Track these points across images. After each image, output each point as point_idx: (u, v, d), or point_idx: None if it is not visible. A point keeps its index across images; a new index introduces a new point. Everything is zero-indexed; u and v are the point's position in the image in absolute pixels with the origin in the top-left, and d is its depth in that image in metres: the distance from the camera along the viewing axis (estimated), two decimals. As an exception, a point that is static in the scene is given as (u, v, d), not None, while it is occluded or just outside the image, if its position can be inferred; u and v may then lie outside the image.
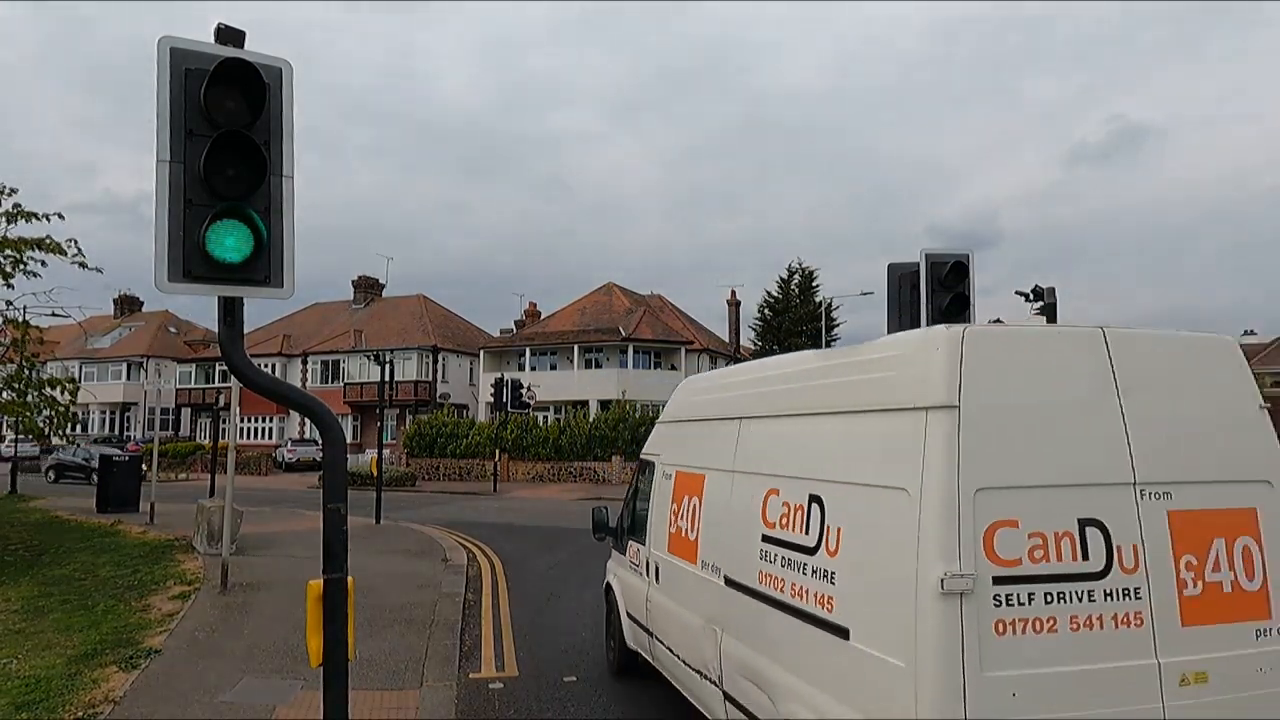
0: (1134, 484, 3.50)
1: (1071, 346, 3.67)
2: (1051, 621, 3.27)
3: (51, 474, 32.92)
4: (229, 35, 3.56)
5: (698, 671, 5.41)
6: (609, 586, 7.79)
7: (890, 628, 3.42)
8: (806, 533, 4.16)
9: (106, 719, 6.20)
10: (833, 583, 3.88)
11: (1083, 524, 3.39)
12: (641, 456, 7.32)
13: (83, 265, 14.52)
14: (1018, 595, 3.26)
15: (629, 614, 7.13)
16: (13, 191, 13.95)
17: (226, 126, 3.50)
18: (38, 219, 13.93)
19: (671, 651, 5.99)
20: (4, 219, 13.82)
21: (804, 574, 4.12)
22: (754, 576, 4.64)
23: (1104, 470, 3.49)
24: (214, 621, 9.15)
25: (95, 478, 22.43)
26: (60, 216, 14.25)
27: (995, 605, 3.23)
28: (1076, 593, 3.33)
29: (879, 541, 3.61)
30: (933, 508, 3.31)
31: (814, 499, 4.15)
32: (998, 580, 3.25)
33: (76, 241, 14.42)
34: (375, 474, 19.55)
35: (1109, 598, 3.36)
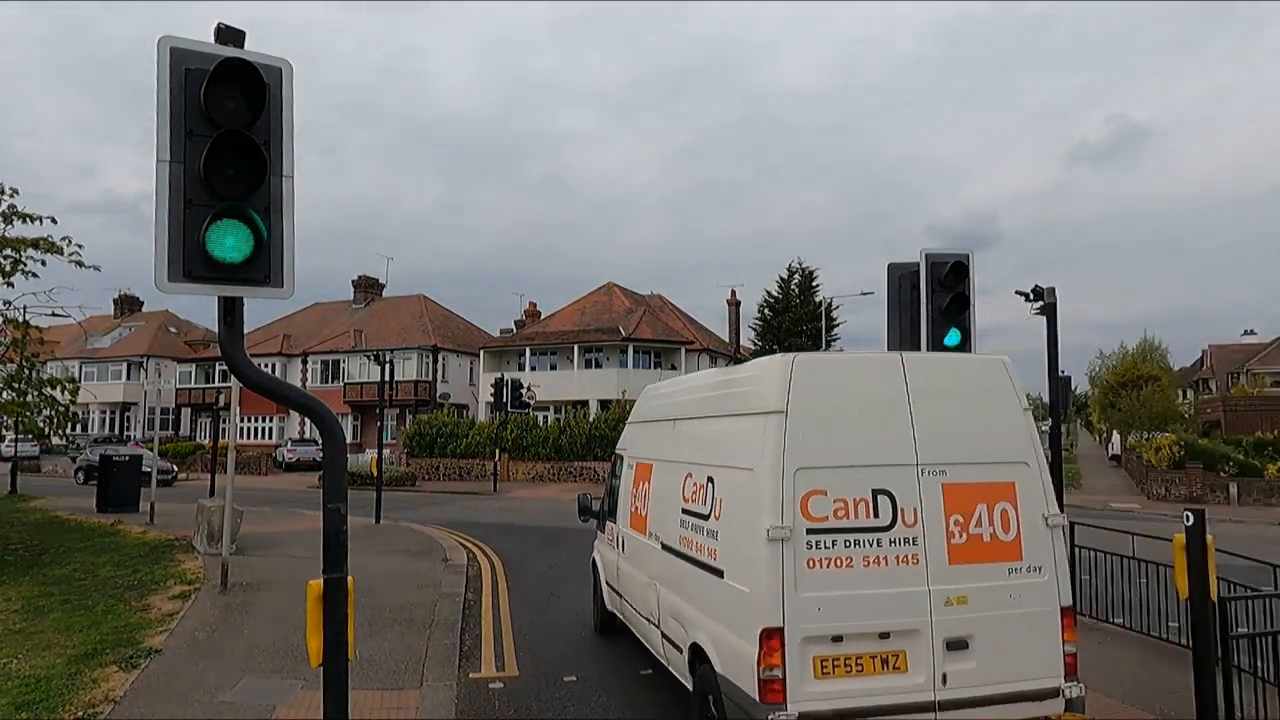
0: (916, 465, 4.82)
1: (876, 368, 5.04)
2: (849, 559, 4.65)
3: (81, 475, 32.53)
4: (229, 35, 3.55)
5: (646, 619, 6.79)
6: (594, 561, 9.16)
7: (743, 566, 4.82)
8: (705, 504, 5.50)
9: (106, 719, 6.20)
10: (717, 539, 5.26)
11: (875, 493, 4.73)
12: (616, 451, 8.68)
13: (79, 263, 14.49)
14: (824, 541, 4.62)
15: (606, 581, 8.55)
16: (14, 192, 13.95)
17: (226, 126, 3.49)
18: (33, 220, 13.92)
19: (632, 607, 7.36)
20: (1, 219, 13.81)
21: (703, 535, 5.50)
22: (677, 540, 5.98)
23: (894, 455, 4.81)
24: (214, 621, 9.15)
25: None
26: (53, 220, 14.23)
27: (808, 548, 4.60)
28: (868, 540, 4.68)
29: (739, 506, 4.97)
30: (766, 481, 4.65)
31: (709, 479, 5.51)
32: (810, 531, 4.61)
33: (72, 239, 14.41)
34: (375, 474, 19.55)
35: (893, 544, 4.70)
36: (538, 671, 7.77)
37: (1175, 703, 6.61)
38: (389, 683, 7.16)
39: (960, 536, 4.78)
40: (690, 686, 5.63)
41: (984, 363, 5.27)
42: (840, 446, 4.73)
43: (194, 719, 6.26)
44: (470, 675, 7.67)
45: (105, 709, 6.34)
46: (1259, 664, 5.96)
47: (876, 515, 4.69)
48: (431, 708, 6.61)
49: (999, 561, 4.83)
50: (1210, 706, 5.34)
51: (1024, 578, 4.85)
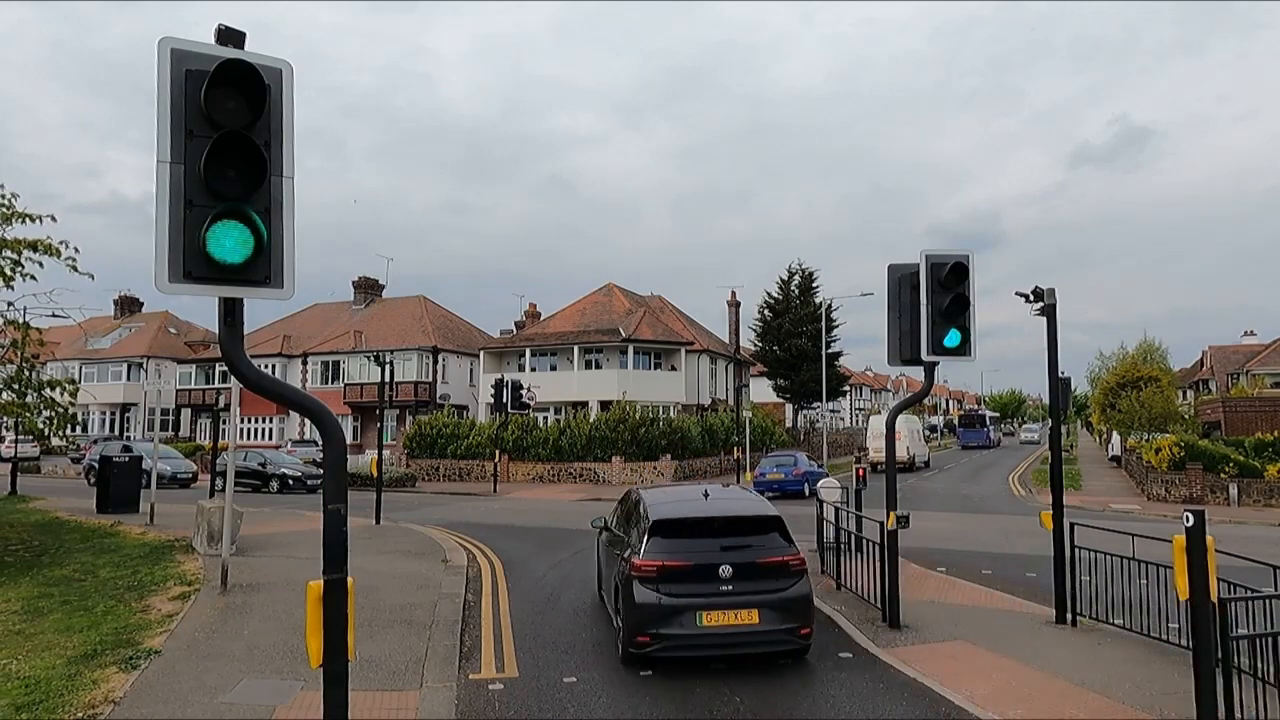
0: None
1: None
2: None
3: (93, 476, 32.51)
4: (229, 36, 3.56)
5: None
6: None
7: None
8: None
9: (106, 719, 6.20)
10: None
11: None
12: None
13: (73, 268, 14.38)
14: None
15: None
16: (15, 197, 13.91)
17: (227, 127, 3.50)
18: (32, 220, 13.88)
19: None
20: (1, 220, 13.78)
21: None
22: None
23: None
24: (214, 622, 9.15)
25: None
26: (53, 219, 14.18)
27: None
28: None
29: None
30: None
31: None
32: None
33: (70, 242, 14.34)
34: (375, 475, 19.53)
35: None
36: (538, 672, 7.77)
37: (1175, 703, 6.61)
38: (389, 683, 7.16)
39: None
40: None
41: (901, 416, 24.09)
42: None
43: (194, 719, 6.27)
44: (470, 676, 7.67)
45: (105, 710, 6.34)
46: (1259, 665, 5.96)
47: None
48: (431, 709, 6.61)
49: None
50: (1210, 707, 5.34)
51: None
